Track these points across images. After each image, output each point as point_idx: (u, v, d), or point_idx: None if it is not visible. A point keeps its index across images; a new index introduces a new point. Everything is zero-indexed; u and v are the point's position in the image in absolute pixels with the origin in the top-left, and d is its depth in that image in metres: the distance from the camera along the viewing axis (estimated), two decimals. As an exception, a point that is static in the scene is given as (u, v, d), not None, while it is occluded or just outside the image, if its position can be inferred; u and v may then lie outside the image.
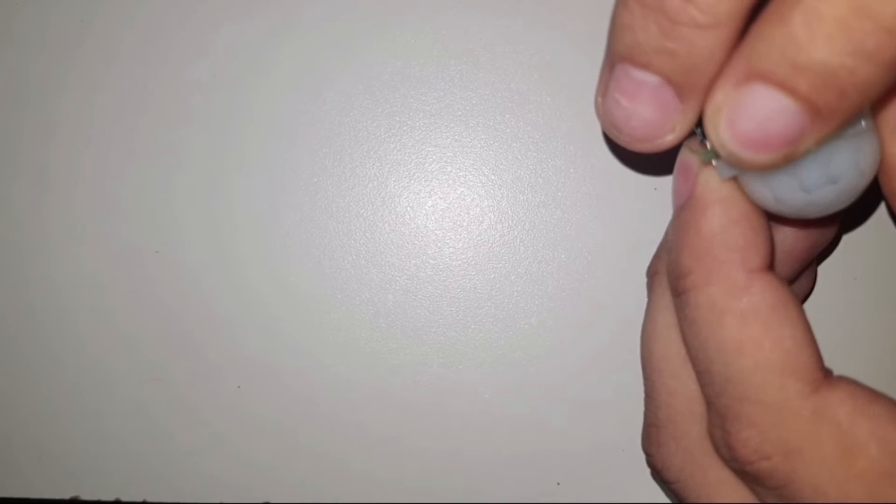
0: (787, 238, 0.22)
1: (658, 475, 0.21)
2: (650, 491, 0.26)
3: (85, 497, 0.27)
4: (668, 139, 0.18)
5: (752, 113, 0.16)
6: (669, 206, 0.20)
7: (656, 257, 0.22)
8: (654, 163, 0.26)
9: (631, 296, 0.26)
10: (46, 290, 0.27)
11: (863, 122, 0.17)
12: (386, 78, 0.27)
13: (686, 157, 0.19)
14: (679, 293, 0.19)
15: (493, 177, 0.27)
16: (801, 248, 0.22)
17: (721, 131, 0.16)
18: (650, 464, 0.22)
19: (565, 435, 0.27)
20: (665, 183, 0.26)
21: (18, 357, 0.27)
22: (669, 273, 0.20)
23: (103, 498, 0.27)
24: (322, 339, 0.27)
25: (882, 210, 0.26)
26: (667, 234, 0.21)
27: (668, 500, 0.26)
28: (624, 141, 0.18)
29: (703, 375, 0.19)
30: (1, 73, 0.27)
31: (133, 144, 0.27)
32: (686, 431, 0.20)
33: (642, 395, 0.26)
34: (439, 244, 0.27)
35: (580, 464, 0.27)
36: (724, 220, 0.18)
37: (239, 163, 0.27)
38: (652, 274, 0.22)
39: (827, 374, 0.19)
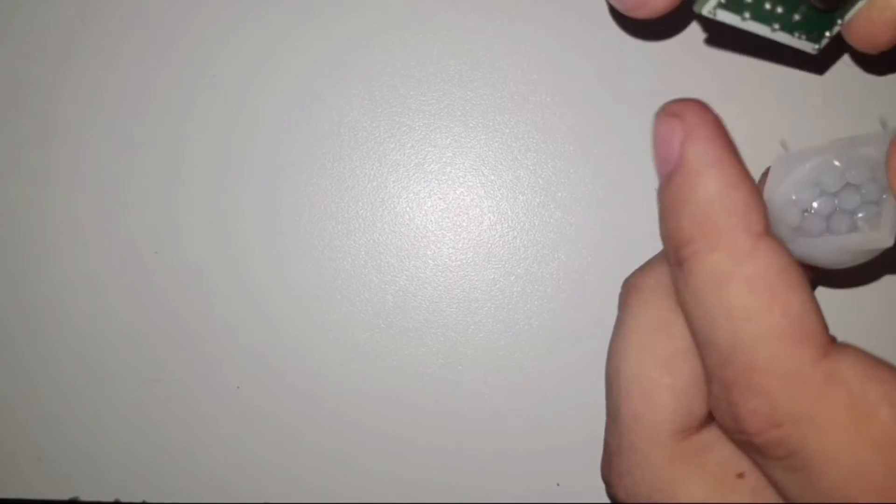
0: None
1: None
2: (650, 491, 0.26)
3: (84, 498, 0.27)
4: (658, 4, 0.21)
5: None
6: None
7: (640, 271, 0.21)
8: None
9: (631, 296, 0.26)
10: (46, 290, 0.27)
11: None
12: (385, 78, 0.27)
13: (666, 125, 0.19)
14: (680, 262, 0.18)
15: (492, 177, 0.27)
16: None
17: None
18: (611, 495, 0.21)
19: (565, 435, 0.27)
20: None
21: (18, 357, 0.27)
22: (668, 243, 0.19)
23: (103, 498, 0.27)
24: (322, 340, 0.27)
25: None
26: (657, 255, 0.21)
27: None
28: (622, 8, 0.21)
29: (706, 347, 0.19)
30: (1, 73, 0.27)
31: (133, 144, 0.27)
32: (650, 460, 0.19)
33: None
34: (439, 244, 0.27)
35: (580, 464, 0.27)
36: (722, 185, 0.18)
37: (238, 163, 0.27)
38: (630, 286, 0.21)
39: (833, 339, 0.18)
